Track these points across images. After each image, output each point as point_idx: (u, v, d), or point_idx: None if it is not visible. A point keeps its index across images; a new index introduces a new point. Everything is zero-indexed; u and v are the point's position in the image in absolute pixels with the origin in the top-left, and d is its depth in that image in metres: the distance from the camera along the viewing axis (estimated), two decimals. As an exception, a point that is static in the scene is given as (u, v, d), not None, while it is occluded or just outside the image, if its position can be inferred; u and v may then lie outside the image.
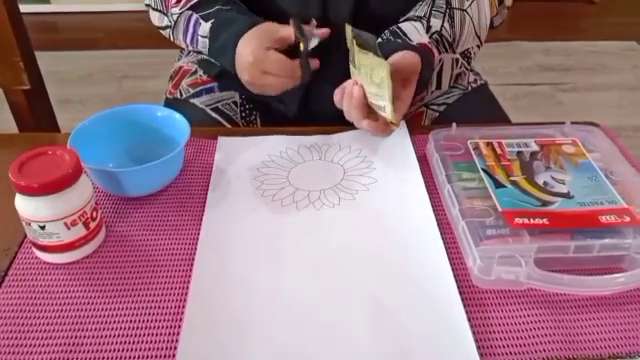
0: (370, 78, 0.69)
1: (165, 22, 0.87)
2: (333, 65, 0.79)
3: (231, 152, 0.75)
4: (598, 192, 0.65)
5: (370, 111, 0.73)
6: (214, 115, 0.90)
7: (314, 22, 0.79)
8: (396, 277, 0.58)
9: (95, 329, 0.53)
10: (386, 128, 0.73)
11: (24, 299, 0.56)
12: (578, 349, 0.51)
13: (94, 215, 0.60)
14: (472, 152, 0.71)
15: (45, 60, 1.10)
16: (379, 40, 0.79)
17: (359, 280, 0.58)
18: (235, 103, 0.92)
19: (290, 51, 0.77)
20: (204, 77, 0.95)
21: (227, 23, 0.80)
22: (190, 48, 0.87)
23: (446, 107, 0.93)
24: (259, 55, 0.75)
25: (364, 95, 0.71)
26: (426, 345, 0.51)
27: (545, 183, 0.66)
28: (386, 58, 0.66)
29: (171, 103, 0.95)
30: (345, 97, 0.73)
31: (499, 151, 0.71)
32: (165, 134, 0.71)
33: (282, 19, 0.79)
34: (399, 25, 0.81)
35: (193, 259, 0.60)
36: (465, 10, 0.82)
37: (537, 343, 0.52)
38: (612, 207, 0.62)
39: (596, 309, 0.55)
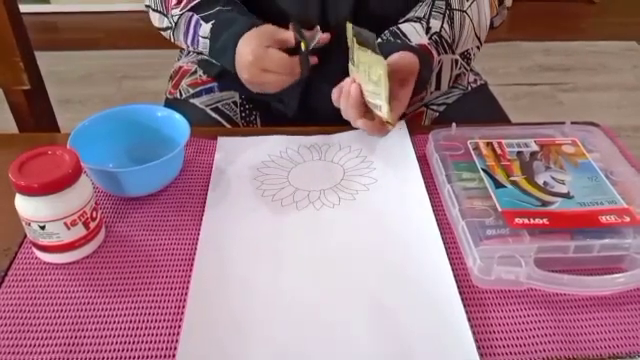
0: (368, 76, 0.69)
1: (165, 23, 0.87)
2: (333, 64, 0.79)
3: (231, 152, 0.75)
4: (598, 192, 0.65)
5: (367, 110, 0.73)
6: (214, 115, 0.90)
7: (318, 28, 0.79)
8: (396, 277, 0.58)
9: (95, 329, 0.53)
10: (382, 128, 0.73)
11: (24, 299, 0.56)
12: (578, 349, 0.51)
13: (94, 215, 0.60)
14: (472, 152, 0.71)
15: (45, 60, 1.10)
16: (379, 40, 0.79)
17: (359, 280, 0.58)
18: (235, 103, 0.92)
19: (288, 50, 0.77)
20: (204, 77, 0.95)
21: (227, 24, 0.80)
22: (191, 49, 0.87)
23: (446, 107, 0.93)
24: (259, 53, 0.75)
25: (361, 94, 0.71)
26: (426, 345, 0.51)
27: (545, 183, 0.66)
28: (385, 58, 0.66)
29: (171, 103, 0.95)
30: (342, 95, 0.73)
31: (499, 151, 0.71)
32: (165, 134, 0.71)
33: (282, 19, 0.79)
34: (398, 26, 0.81)
35: (193, 259, 0.60)
36: (465, 11, 0.82)
37: (537, 343, 0.52)
38: (612, 207, 0.62)
39: (596, 309, 0.55)
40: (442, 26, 0.81)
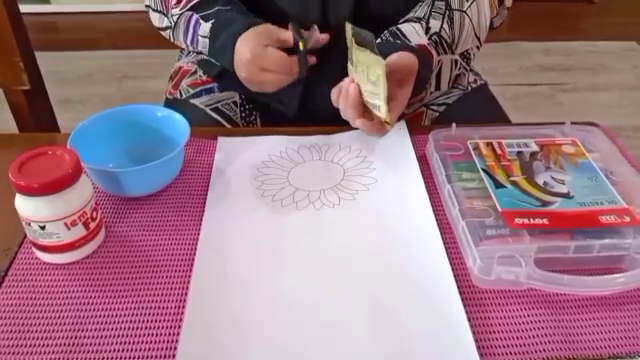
0: (367, 76, 0.69)
1: (165, 23, 0.88)
2: (332, 64, 0.79)
3: (231, 152, 0.75)
4: (598, 192, 0.65)
5: (366, 110, 0.73)
6: (214, 115, 0.90)
7: (315, 27, 0.79)
8: (396, 277, 0.58)
9: (95, 329, 0.53)
10: (381, 128, 0.73)
11: (24, 299, 0.56)
12: (578, 349, 0.51)
13: (94, 215, 0.60)
14: (472, 152, 0.71)
15: (45, 60, 1.10)
16: (378, 41, 0.79)
17: (359, 280, 0.58)
18: (235, 103, 0.92)
19: (287, 49, 0.77)
20: (204, 77, 0.95)
21: (227, 23, 0.80)
22: (190, 48, 0.87)
23: (446, 107, 0.93)
24: (257, 52, 0.75)
25: (360, 94, 0.72)
26: (426, 345, 0.51)
27: (545, 183, 0.66)
28: (384, 59, 0.66)
29: (171, 103, 0.95)
30: (341, 96, 0.73)
31: (499, 151, 0.71)
32: (165, 134, 0.71)
33: (281, 19, 0.79)
34: (398, 26, 0.81)
35: (193, 259, 0.60)
36: (464, 11, 0.82)
37: (537, 343, 0.52)
38: (612, 207, 0.62)
39: (596, 309, 0.55)
40: (442, 26, 0.81)
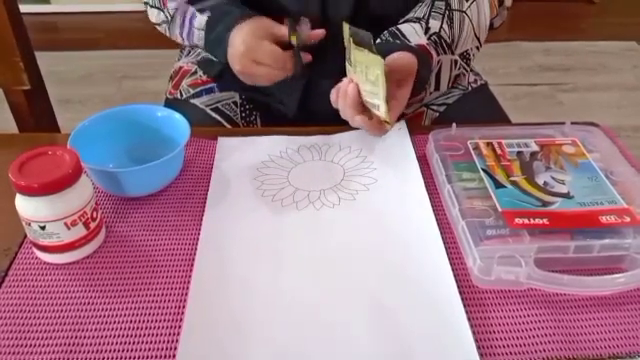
0: (365, 76, 0.69)
1: (162, 18, 0.87)
2: (332, 64, 0.79)
3: (231, 152, 0.75)
4: (598, 192, 0.65)
5: (364, 110, 0.73)
6: (214, 115, 0.90)
7: (306, 22, 0.79)
8: (396, 277, 0.58)
9: (95, 329, 0.53)
10: (380, 127, 0.73)
11: (24, 299, 0.56)
12: (578, 349, 0.51)
13: (94, 215, 0.60)
14: (472, 152, 0.71)
15: (45, 60, 1.10)
16: (378, 41, 0.79)
17: (359, 280, 0.58)
18: (235, 103, 0.92)
19: (283, 45, 0.77)
20: (204, 77, 0.95)
21: (222, 15, 0.80)
22: (186, 42, 0.87)
23: (446, 107, 0.93)
24: (251, 44, 0.75)
25: (358, 93, 0.71)
26: (426, 345, 0.51)
27: (545, 183, 0.66)
28: (383, 59, 0.66)
29: (171, 103, 0.95)
30: (340, 95, 0.73)
31: (499, 151, 0.71)
32: (165, 134, 0.71)
33: (281, 17, 0.79)
34: (398, 26, 0.81)
35: (193, 259, 0.60)
36: (464, 11, 0.82)
37: (537, 343, 0.52)
38: (612, 207, 0.62)
39: (596, 309, 0.55)
40: (441, 26, 0.80)
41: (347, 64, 0.74)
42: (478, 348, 0.51)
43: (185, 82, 0.95)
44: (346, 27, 0.71)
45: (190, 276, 0.58)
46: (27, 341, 0.52)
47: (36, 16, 2.70)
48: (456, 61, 0.87)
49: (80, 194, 0.58)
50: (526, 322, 0.54)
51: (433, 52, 0.80)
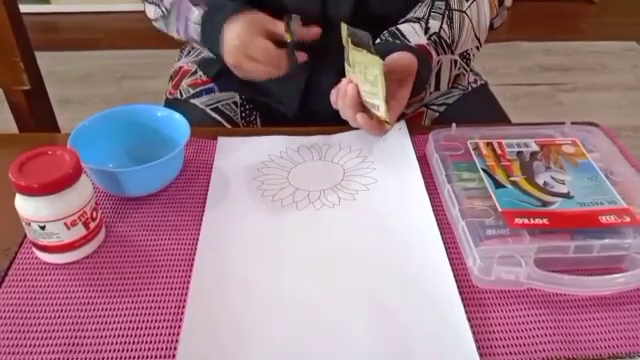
0: (364, 76, 0.69)
1: (158, 13, 0.87)
2: (333, 65, 0.79)
3: (231, 152, 0.75)
4: (598, 192, 0.65)
5: (364, 110, 0.73)
6: (214, 115, 0.90)
7: (297, 19, 0.78)
8: (396, 277, 0.58)
9: (95, 329, 0.53)
10: (381, 126, 0.73)
11: (24, 299, 0.56)
12: (578, 349, 0.51)
13: (94, 215, 0.60)
14: (472, 152, 0.71)
15: (45, 60, 1.10)
16: (377, 41, 0.79)
17: (359, 280, 0.58)
18: (235, 103, 0.92)
19: (279, 42, 0.76)
20: (204, 77, 0.95)
21: (218, 9, 0.79)
22: (183, 37, 0.86)
23: (446, 107, 0.93)
24: (245, 39, 0.74)
25: (358, 93, 0.71)
26: (426, 345, 0.51)
27: (545, 183, 0.66)
28: (383, 59, 0.66)
29: (171, 103, 0.95)
30: (340, 96, 0.73)
31: (499, 151, 0.71)
32: (165, 134, 0.71)
33: (280, 15, 0.78)
34: (398, 26, 0.81)
35: (193, 259, 0.60)
36: (464, 11, 0.82)
37: (537, 343, 0.52)
38: (612, 207, 0.62)
39: (596, 309, 0.55)
40: (441, 26, 0.80)
41: (345, 64, 0.74)
42: (478, 348, 0.51)
43: (185, 82, 0.95)
44: (344, 27, 0.71)
45: (190, 276, 0.58)
46: (27, 341, 0.52)
47: (36, 16, 2.70)
48: (456, 61, 0.87)
49: (80, 194, 0.58)
50: (526, 322, 0.54)
51: (433, 52, 0.80)
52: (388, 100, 0.68)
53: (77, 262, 0.60)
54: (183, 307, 0.55)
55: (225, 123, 0.90)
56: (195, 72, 0.96)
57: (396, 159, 0.74)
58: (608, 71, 2.47)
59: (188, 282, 0.57)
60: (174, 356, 0.50)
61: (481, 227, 0.60)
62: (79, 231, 0.59)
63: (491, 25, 0.89)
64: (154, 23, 0.90)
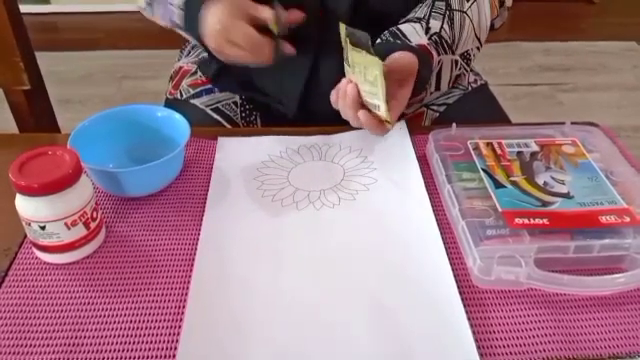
0: (364, 76, 0.69)
1: (146, 0, 0.85)
2: (332, 63, 0.79)
3: (231, 152, 0.75)
4: (598, 192, 0.65)
5: (365, 109, 0.73)
6: (214, 115, 0.90)
7: (279, 6, 0.76)
8: (396, 277, 0.58)
9: (95, 329, 0.53)
10: (381, 126, 0.73)
11: (24, 299, 0.56)
12: (578, 349, 0.51)
13: (94, 215, 0.60)
14: (472, 152, 0.71)
15: (45, 60, 1.10)
16: (378, 41, 0.79)
17: (359, 280, 0.58)
18: (235, 103, 0.92)
19: (260, 27, 0.74)
20: (204, 78, 0.95)
21: None
22: (168, 24, 0.84)
23: (446, 107, 0.93)
24: (227, 23, 0.73)
25: (358, 93, 0.71)
26: (426, 345, 0.51)
27: (545, 183, 0.66)
28: (383, 59, 0.66)
29: (171, 103, 0.95)
30: (340, 96, 0.73)
31: (499, 151, 0.71)
32: (165, 134, 0.71)
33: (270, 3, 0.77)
34: (398, 26, 0.81)
35: (193, 259, 0.60)
36: (465, 12, 0.82)
37: (537, 343, 0.52)
38: (612, 207, 0.62)
39: (596, 309, 0.55)
40: (442, 26, 0.80)
41: (345, 64, 0.74)
42: (478, 348, 0.51)
43: (185, 82, 0.95)
44: (342, 27, 0.71)
45: (190, 276, 0.58)
46: (27, 341, 0.52)
47: (36, 16, 2.70)
48: (457, 61, 0.87)
49: (80, 194, 0.58)
50: (526, 322, 0.54)
51: (434, 52, 0.80)
52: (388, 100, 0.68)
53: (77, 262, 0.60)
54: (183, 307, 0.55)
55: (225, 123, 0.90)
56: (195, 72, 0.96)
57: (396, 159, 0.74)
58: (608, 71, 2.47)
59: (188, 282, 0.57)
60: (174, 356, 0.50)
61: (481, 227, 0.60)
62: (79, 231, 0.59)
63: (492, 25, 0.89)
64: (142, 12, 0.88)
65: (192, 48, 1.01)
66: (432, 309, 0.55)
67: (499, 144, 0.72)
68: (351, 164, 0.74)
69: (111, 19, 2.78)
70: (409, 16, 0.83)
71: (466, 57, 0.88)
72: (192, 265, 0.59)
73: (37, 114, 1.03)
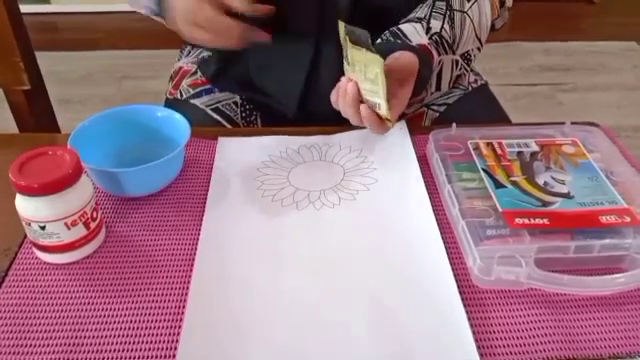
0: (364, 75, 0.69)
1: None
2: (332, 63, 0.79)
3: (231, 152, 0.75)
4: (598, 192, 0.65)
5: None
6: (214, 115, 0.90)
7: None
8: (396, 277, 0.58)
9: (95, 329, 0.53)
10: (382, 124, 0.73)
11: (24, 299, 0.56)
12: (578, 349, 0.51)
13: (94, 215, 0.60)
14: (472, 152, 0.71)
15: (45, 60, 1.10)
16: (379, 41, 0.79)
17: (359, 280, 0.58)
18: (235, 103, 0.92)
19: (229, 11, 0.72)
20: (204, 78, 0.95)
21: None
22: (144, 11, 0.83)
23: (446, 107, 0.93)
24: (192, 7, 0.72)
25: (358, 92, 0.71)
26: (426, 345, 0.51)
27: (545, 183, 0.66)
28: (384, 58, 0.66)
29: (171, 103, 0.95)
30: (340, 95, 0.73)
31: (499, 151, 0.71)
32: (165, 134, 0.71)
33: (277, 7, 0.76)
34: (399, 26, 0.81)
35: (193, 259, 0.60)
36: (465, 12, 0.82)
37: (537, 343, 0.52)
38: (612, 207, 0.62)
39: (596, 309, 0.55)
40: (442, 27, 0.80)
41: (344, 63, 0.74)
42: (478, 348, 0.51)
43: (185, 82, 0.96)
44: (341, 26, 0.71)
45: (190, 276, 0.58)
46: (27, 341, 0.52)
47: (36, 16, 2.70)
48: (457, 61, 0.87)
49: (80, 194, 0.58)
50: (526, 322, 0.54)
51: (434, 52, 0.80)
52: (389, 99, 0.68)
53: (77, 262, 0.60)
54: (183, 307, 0.55)
55: (225, 123, 0.90)
56: (195, 72, 0.96)
57: (396, 159, 0.74)
58: (608, 71, 2.47)
59: (188, 282, 0.57)
60: (174, 356, 0.50)
61: (481, 227, 0.60)
62: (79, 231, 0.59)
63: (492, 26, 0.89)
64: (129, 5, 0.87)
65: (192, 48, 1.01)
66: (432, 309, 0.55)
67: (499, 144, 0.72)
68: (351, 164, 0.74)
69: (111, 19, 2.78)
70: (410, 16, 0.83)
71: (466, 57, 0.88)
72: (192, 265, 0.59)
73: (37, 114, 1.03)
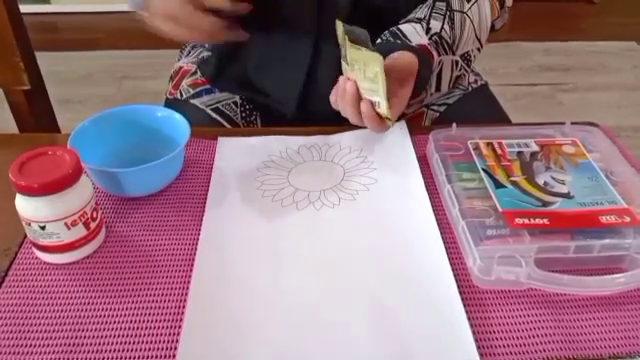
0: (363, 74, 0.69)
1: None
2: (330, 65, 0.78)
3: (231, 152, 0.75)
4: (598, 192, 0.65)
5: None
6: (214, 115, 0.90)
7: None
8: (396, 277, 0.58)
9: (95, 329, 0.53)
10: (382, 122, 0.73)
11: (24, 299, 0.56)
12: (578, 349, 0.51)
13: (94, 215, 0.60)
14: (472, 152, 0.71)
15: (45, 60, 1.10)
16: (378, 41, 0.79)
17: (359, 280, 0.58)
18: (235, 103, 0.92)
19: (203, 6, 0.72)
20: (204, 78, 0.95)
21: None
22: (134, 7, 0.83)
23: (446, 107, 0.93)
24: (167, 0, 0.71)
25: (357, 90, 0.71)
26: (426, 345, 0.51)
27: (545, 183, 0.66)
28: (383, 58, 0.66)
29: (171, 103, 0.95)
30: (339, 94, 0.73)
31: (499, 151, 0.71)
32: (165, 134, 0.71)
33: (275, 7, 0.76)
34: (399, 27, 0.81)
35: (193, 259, 0.60)
36: (465, 12, 0.82)
37: (537, 343, 0.52)
38: (612, 207, 0.62)
39: (596, 309, 0.55)
40: (442, 27, 0.80)
41: (343, 63, 0.74)
42: (478, 348, 0.51)
43: (185, 82, 0.96)
44: (340, 25, 0.71)
45: (190, 276, 0.58)
46: (27, 341, 0.52)
47: (36, 16, 2.70)
48: (457, 62, 0.87)
49: (80, 194, 0.58)
50: (526, 322, 0.54)
51: (434, 52, 0.79)
52: (389, 98, 0.68)
53: (77, 262, 0.60)
54: (183, 307, 0.55)
55: (225, 123, 0.90)
56: (195, 72, 0.96)
57: (396, 159, 0.74)
58: (608, 71, 2.47)
59: (188, 282, 0.57)
60: (174, 356, 0.50)
61: (481, 227, 0.60)
62: (79, 231, 0.59)
63: (492, 27, 0.89)
64: (127, 7, 0.87)
65: (192, 48, 1.01)
66: (432, 309, 0.55)
67: (499, 144, 0.72)
68: (351, 164, 0.74)
69: (111, 19, 2.78)
70: (409, 16, 0.83)
71: (466, 58, 0.88)
72: (192, 265, 0.59)
73: (37, 114, 1.03)
